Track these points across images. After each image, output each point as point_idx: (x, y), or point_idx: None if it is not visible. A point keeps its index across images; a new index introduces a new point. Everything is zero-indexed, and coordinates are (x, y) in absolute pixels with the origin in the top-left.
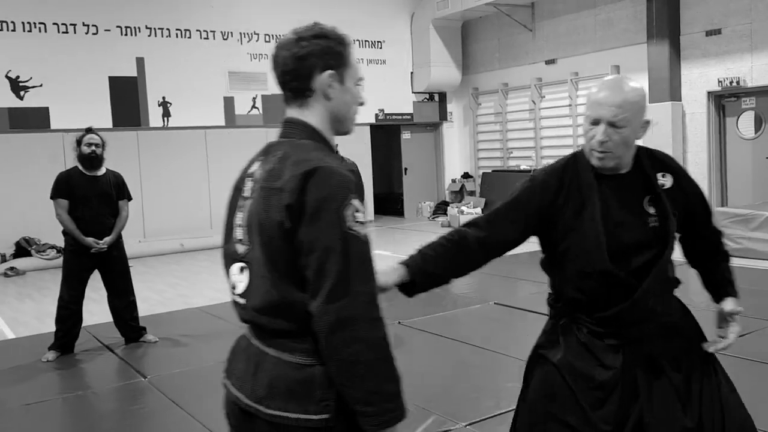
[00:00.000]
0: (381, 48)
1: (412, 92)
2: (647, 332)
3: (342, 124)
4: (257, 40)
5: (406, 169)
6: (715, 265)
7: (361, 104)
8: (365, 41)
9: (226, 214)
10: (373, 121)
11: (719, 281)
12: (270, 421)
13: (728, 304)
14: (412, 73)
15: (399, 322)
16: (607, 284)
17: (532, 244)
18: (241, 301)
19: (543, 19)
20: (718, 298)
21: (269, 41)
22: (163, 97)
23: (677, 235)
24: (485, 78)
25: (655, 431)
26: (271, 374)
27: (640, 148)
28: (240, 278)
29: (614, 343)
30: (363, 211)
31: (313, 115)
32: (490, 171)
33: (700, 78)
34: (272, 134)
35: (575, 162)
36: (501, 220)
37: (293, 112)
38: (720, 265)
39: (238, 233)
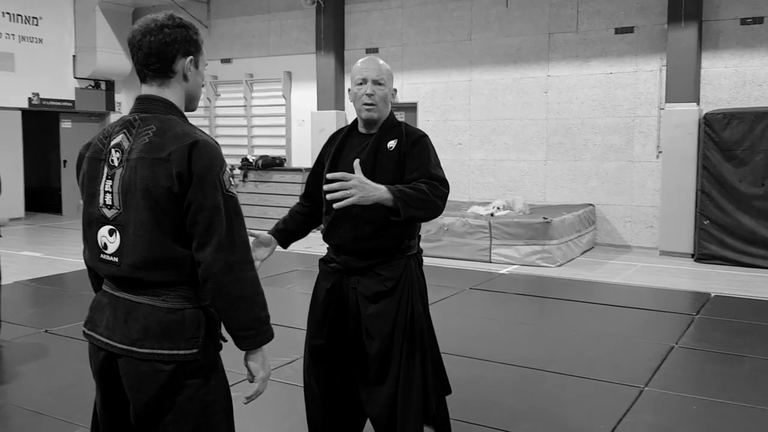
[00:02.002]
0: (37, 25)
1: (75, 77)
2: (353, 266)
3: (192, 102)
4: None
5: (65, 161)
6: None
7: (202, 86)
8: (17, 15)
9: (84, 182)
10: (25, 105)
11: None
12: (144, 359)
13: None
14: (74, 56)
15: (46, 331)
16: (327, 210)
17: None
18: (113, 259)
19: (219, 18)
20: None
21: None
22: None
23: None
24: None
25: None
26: (145, 319)
27: (391, 120)
28: (111, 239)
29: (334, 267)
30: (233, 175)
31: (172, 93)
32: None
33: None
34: None
35: (347, 127)
36: (311, 177)
37: (152, 90)
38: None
39: (107, 198)
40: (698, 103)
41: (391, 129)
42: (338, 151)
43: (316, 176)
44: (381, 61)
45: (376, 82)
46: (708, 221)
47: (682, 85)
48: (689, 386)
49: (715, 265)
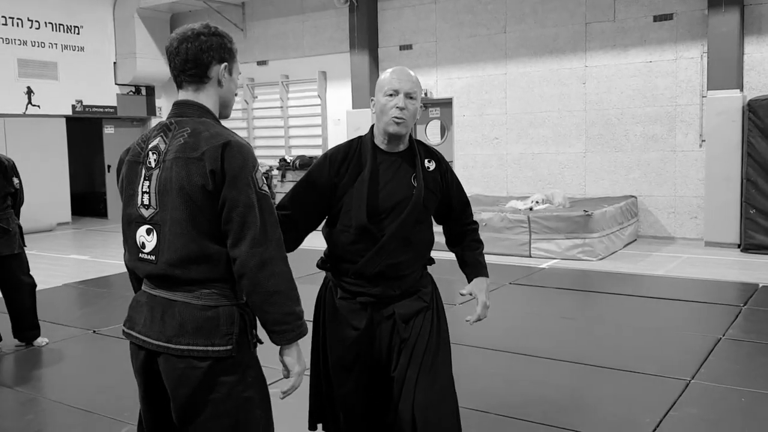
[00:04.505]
0: (78, 33)
1: (116, 84)
2: (391, 293)
3: (226, 109)
4: None
5: (109, 166)
6: (470, 250)
7: (235, 94)
8: (59, 25)
9: (123, 184)
10: (69, 112)
11: (473, 263)
12: (179, 356)
13: (477, 283)
14: (115, 63)
15: (94, 331)
16: (360, 237)
17: None
18: (151, 258)
19: (254, 20)
20: (470, 278)
21: None
22: None
23: (436, 221)
24: None
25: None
26: (181, 316)
27: (413, 138)
28: (148, 238)
29: (364, 301)
30: (268, 175)
31: (207, 98)
32: None
33: None
34: None
35: (360, 141)
36: (302, 196)
37: (188, 95)
38: (474, 251)
39: (144, 199)
40: (742, 90)
41: (422, 148)
42: (373, 175)
43: (316, 196)
44: (412, 73)
45: (408, 96)
46: (754, 210)
47: (725, 71)
48: (737, 378)
49: (763, 255)
